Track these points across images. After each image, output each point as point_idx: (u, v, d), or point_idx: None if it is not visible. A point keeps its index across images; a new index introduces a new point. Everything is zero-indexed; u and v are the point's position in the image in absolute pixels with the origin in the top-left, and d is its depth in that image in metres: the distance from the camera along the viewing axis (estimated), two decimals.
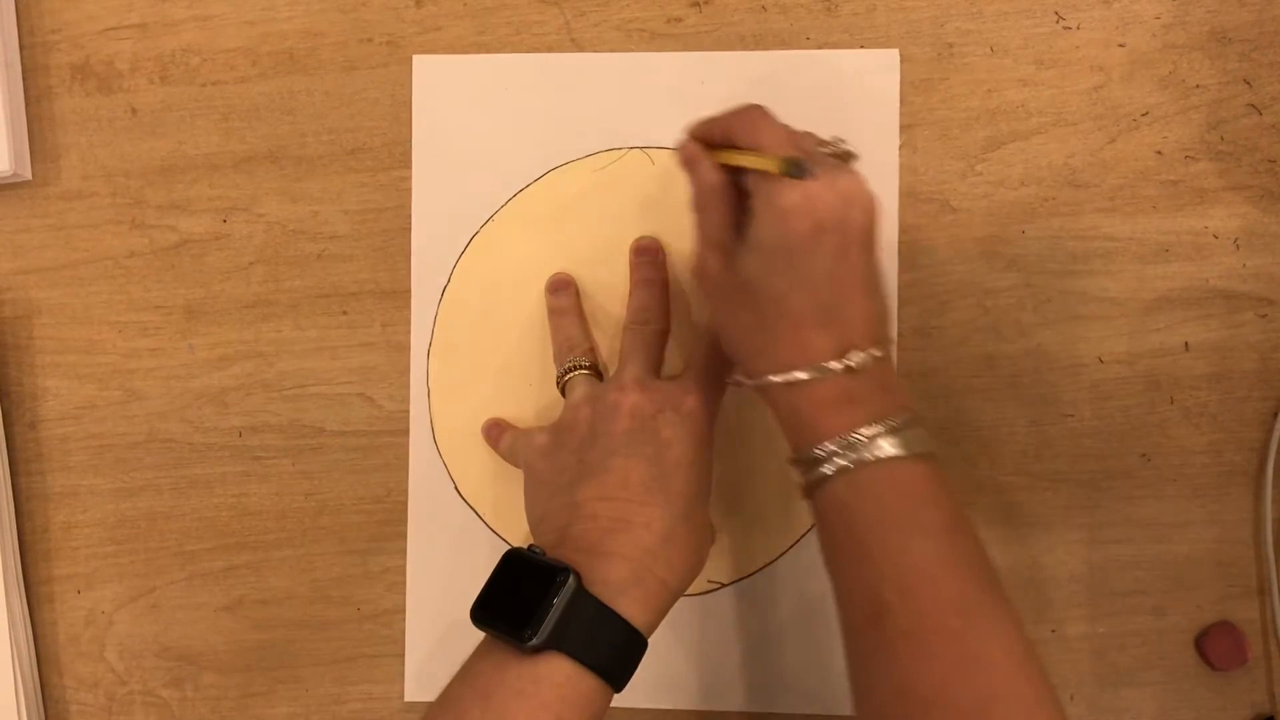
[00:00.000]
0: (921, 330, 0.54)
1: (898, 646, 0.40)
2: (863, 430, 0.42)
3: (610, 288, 0.55)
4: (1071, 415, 0.54)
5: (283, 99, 0.57)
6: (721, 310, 0.46)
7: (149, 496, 0.57)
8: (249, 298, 0.57)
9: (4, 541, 0.56)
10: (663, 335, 0.52)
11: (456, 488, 0.55)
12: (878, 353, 0.43)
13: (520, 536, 0.55)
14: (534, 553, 0.44)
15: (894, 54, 0.54)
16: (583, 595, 0.42)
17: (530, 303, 0.55)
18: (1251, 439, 0.53)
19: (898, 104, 0.54)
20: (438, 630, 0.55)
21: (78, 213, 0.57)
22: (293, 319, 0.56)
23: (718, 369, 0.49)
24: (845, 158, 0.47)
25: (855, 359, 0.42)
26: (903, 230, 0.54)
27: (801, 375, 0.42)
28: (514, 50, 0.56)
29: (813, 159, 0.43)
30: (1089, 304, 0.54)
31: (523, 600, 0.42)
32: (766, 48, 0.55)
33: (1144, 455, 0.53)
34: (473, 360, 0.56)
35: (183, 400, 0.57)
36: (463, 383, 0.55)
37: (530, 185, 0.55)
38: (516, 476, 0.53)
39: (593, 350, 0.53)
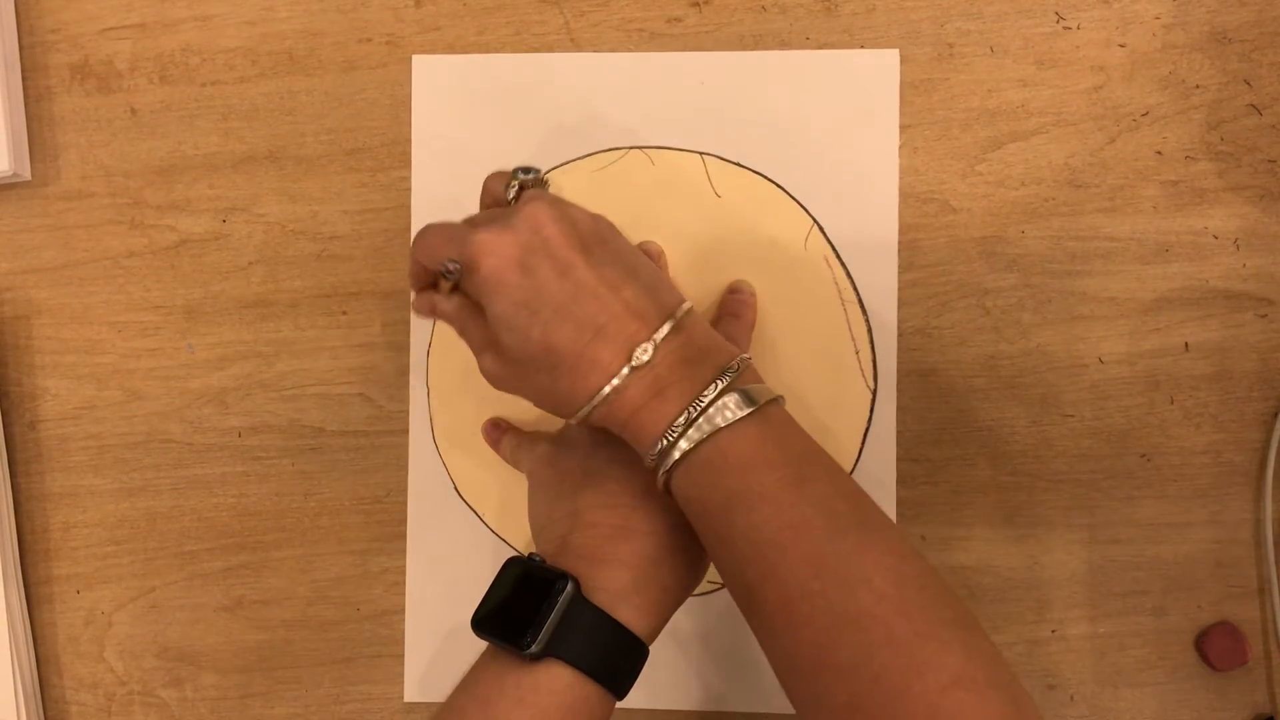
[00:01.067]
0: (921, 330, 0.54)
1: (774, 622, 0.40)
2: (679, 420, 0.41)
3: None
4: (1071, 415, 0.54)
5: (283, 99, 0.57)
6: (523, 391, 0.46)
7: (149, 496, 0.57)
8: (249, 298, 0.57)
9: (4, 541, 0.56)
10: None
11: (456, 488, 0.55)
12: (663, 332, 0.43)
13: (521, 537, 0.55)
14: (534, 560, 0.44)
15: (894, 54, 0.54)
16: (582, 603, 0.42)
17: None
18: (1251, 439, 0.53)
19: (898, 104, 0.54)
20: (438, 631, 0.55)
21: (78, 213, 0.57)
22: (293, 319, 0.56)
23: None
24: (537, 184, 0.47)
25: (641, 354, 0.42)
26: (903, 230, 0.54)
27: (600, 397, 0.42)
28: (514, 50, 0.56)
29: (477, 223, 0.45)
30: (1089, 304, 0.54)
31: (522, 608, 0.42)
32: (766, 48, 0.55)
33: (1144, 455, 0.53)
34: (473, 360, 0.55)
35: (183, 400, 0.57)
36: (463, 382, 0.55)
37: None
38: (517, 478, 0.53)
39: None
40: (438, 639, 0.55)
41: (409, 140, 0.56)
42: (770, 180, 0.54)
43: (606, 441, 0.46)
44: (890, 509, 0.54)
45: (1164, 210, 0.54)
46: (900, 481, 0.54)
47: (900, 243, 0.54)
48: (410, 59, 0.56)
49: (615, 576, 0.43)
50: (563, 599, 0.41)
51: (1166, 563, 0.53)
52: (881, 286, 0.54)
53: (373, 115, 0.56)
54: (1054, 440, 0.54)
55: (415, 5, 0.56)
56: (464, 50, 0.56)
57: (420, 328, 0.56)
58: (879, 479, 0.54)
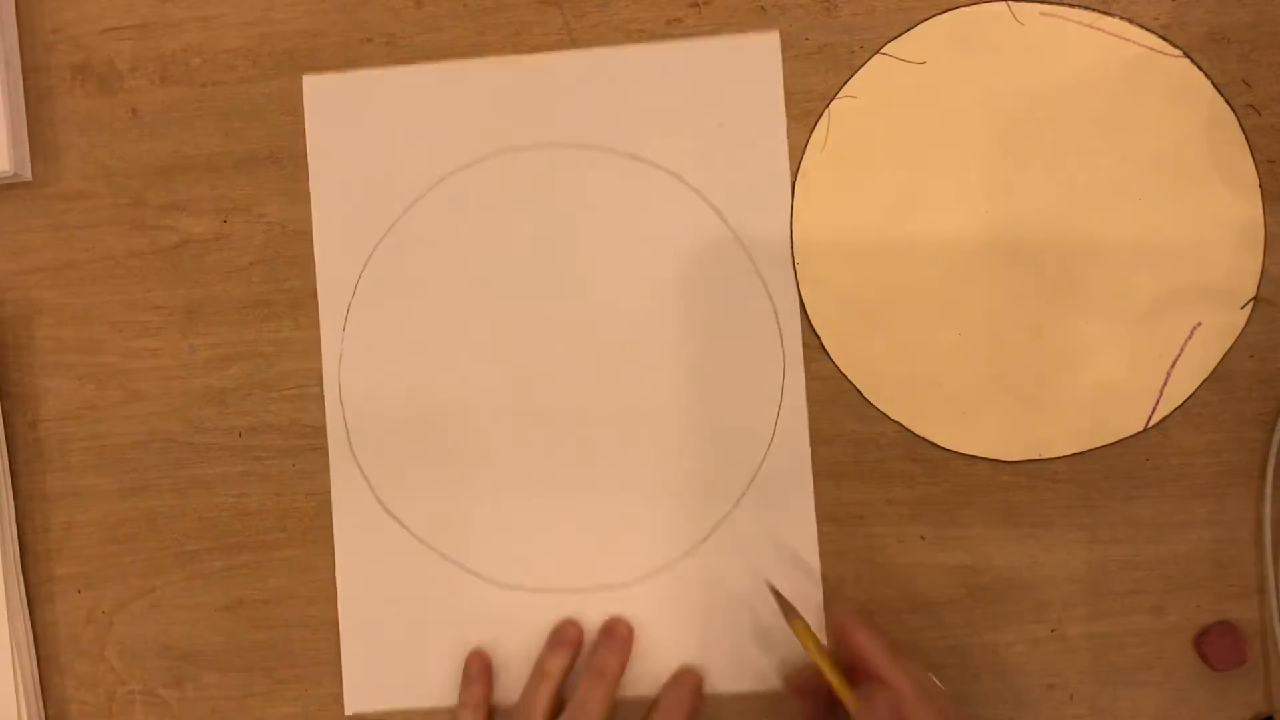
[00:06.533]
0: None
1: None
2: None
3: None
4: None
5: (283, 99, 0.57)
6: None
7: (149, 496, 0.57)
8: (249, 298, 0.57)
9: (4, 541, 0.56)
10: None
11: (377, 498, 0.55)
12: None
13: (450, 544, 0.55)
14: None
15: (774, 36, 0.54)
16: None
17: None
18: (1251, 439, 0.53)
19: (781, 86, 0.54)
20: (373, 640, 0.55)
21: (78, 213, 0.57)
22: (293, 319, 0.56)
23: None
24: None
25: None
26: None
27: None
28: (515, 51, 0.56)
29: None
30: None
31: None
32: None
33: (1144, 455, 0.54)
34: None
35: (183, 400, 0.57)
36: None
37: (428, 191, 0.56)
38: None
39: None
40: (374, 649, 0.55)
41: None
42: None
43: None
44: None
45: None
46: (900, 481, 0.54)
47: None
48: (410, 60, 0.56)
49: None
50: None
51: (1166, 562, 0.53)
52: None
53: None
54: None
55: (416, 6, 0.56)
56: (465, 52, 0.56)
57: (330, 342, 0.56)
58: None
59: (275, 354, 0.56)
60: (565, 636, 0.54)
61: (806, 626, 0.50)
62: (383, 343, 0.56)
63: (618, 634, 0.53)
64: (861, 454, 0.54)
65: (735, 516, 0.54)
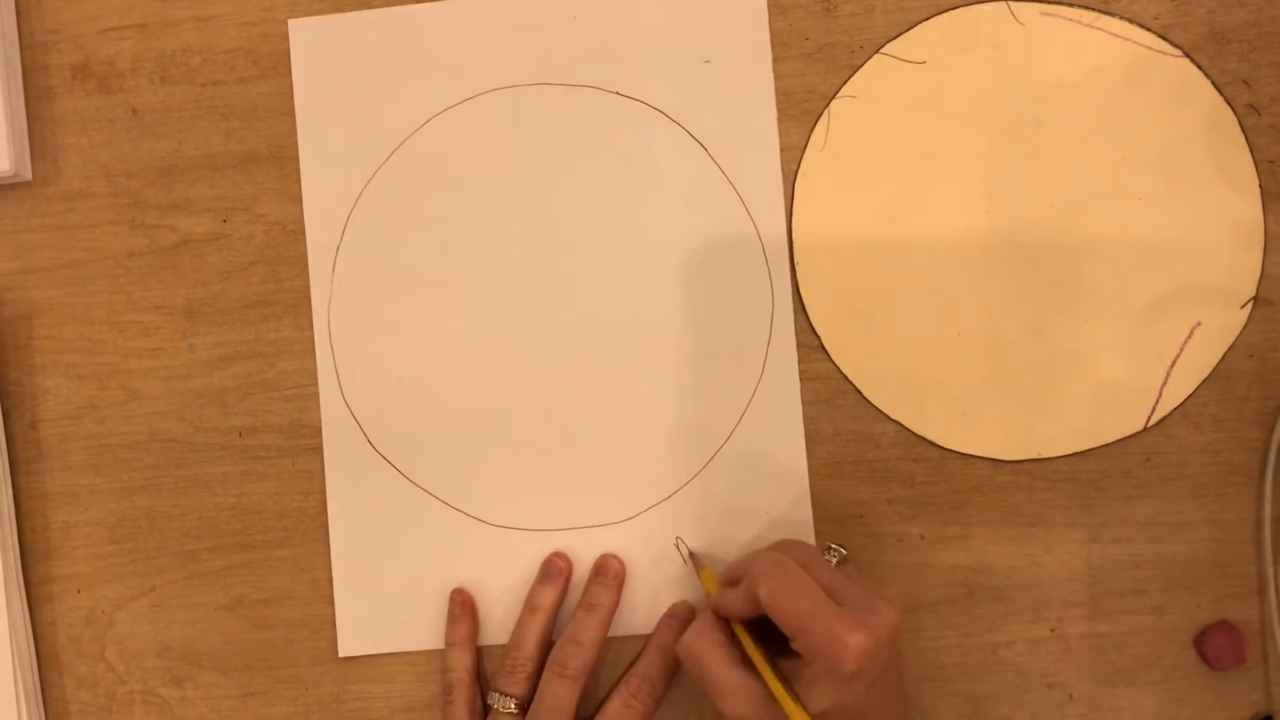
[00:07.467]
0: None
1: None
2: None
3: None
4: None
5: (283, 99, 0.57)
6: None
7: (149, 496, 0.57)
8: (249, 298, 0.57)
9: (4, 541, 0.56)
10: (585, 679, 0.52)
11: (368, 439, 0.56)
12: None
13: (440, 486, 0.55)
14: None
15: None
16: None
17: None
18: (1251, 439, 0.53)
19: (766, 23, 0.54)
20: (365, 582, 0.56)
21: (78, 213, 0.57)
22: (293, 319, 0.56)
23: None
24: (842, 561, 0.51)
25: None
26: None
27: None
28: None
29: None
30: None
31: None
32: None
33: (1144, 455, 0.54)
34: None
35: (183, 400, 0.57)
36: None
37: (415, 132, 0.56)
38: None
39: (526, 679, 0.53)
40: (367, 591, 0.55)
41: None
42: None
43: None
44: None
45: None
46: (900, 481, 0.54)
47: None
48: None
49: None
50: None
51: (1166, 562, 0.53)
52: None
53: None
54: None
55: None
56: None
57: (319, 284, 0.56)
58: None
59: (275, 354, 0.56)
60: (554, 568, 0.54)
61: (714, 580, 0.51)
62: (372, 287, 0.56)
63: (610, 569, 0.54)
64: (861, 454, 0.54)
65: (725, 453, 0.54)
